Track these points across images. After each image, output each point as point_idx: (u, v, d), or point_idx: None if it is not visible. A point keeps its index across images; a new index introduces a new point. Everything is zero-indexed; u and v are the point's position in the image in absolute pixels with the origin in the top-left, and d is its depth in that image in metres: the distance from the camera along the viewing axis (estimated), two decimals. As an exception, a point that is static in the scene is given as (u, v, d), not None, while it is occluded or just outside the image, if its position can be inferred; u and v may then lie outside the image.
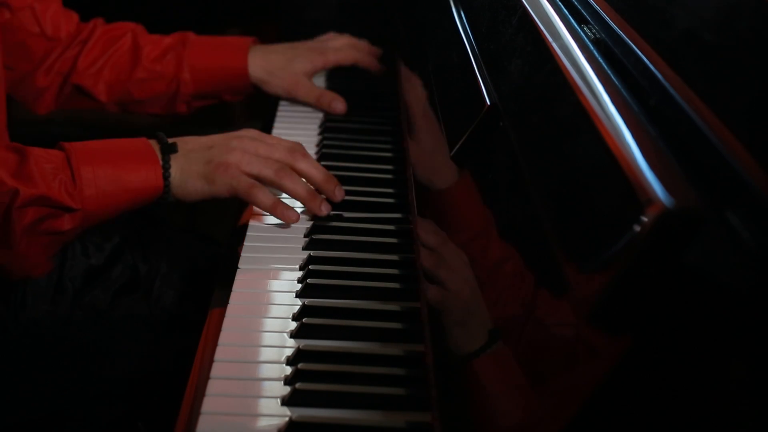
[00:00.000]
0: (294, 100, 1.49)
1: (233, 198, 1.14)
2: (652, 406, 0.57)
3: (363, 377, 0.86)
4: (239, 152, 1.12)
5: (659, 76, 0.71)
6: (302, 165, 1.15)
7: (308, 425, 0.81)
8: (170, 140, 1.13)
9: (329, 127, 1.43)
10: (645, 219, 0.56)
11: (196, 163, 1.11)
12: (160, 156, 1.10)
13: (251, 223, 1.14)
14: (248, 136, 1.16)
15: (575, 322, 0.63)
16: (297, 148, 1.16)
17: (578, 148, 0.71)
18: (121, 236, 1.28)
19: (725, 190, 0.57)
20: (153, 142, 1.12)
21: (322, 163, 1.29)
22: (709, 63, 0.70)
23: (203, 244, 1.39)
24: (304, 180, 1.15)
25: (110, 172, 1.07)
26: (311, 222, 1.14)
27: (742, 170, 0.57)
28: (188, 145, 1.13)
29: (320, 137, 1.40)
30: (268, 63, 1.45)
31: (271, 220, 1.15)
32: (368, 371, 0.87)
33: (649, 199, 0.57)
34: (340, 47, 1.52)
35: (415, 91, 1.30)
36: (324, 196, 1.15)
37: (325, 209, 1.14)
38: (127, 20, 1.47)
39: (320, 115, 1.48)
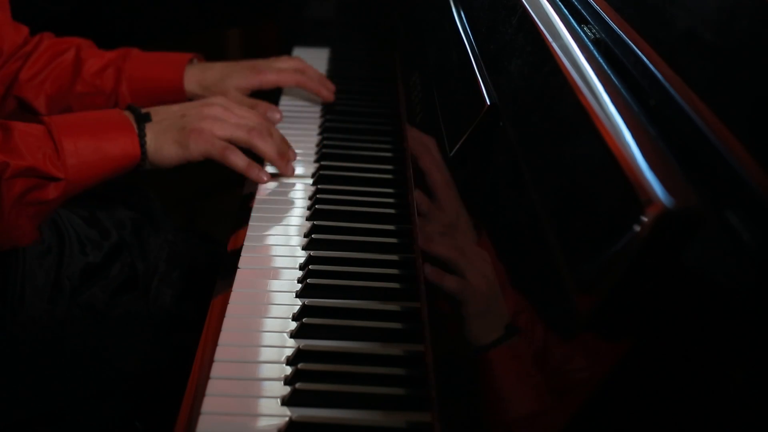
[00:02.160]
0: None
1: (233, 197, 1.14)
2: (653, 405, 0.57)
3: (363, 377, 0.86)
4: (211, 119, 1.19)
5: (659, 76, 0.71)
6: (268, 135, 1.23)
7: (308, 425, 0.81)
8: (143, 110, 1.18)
9: (329, 128, 1.43)
10: (645, 219, 0.56)
11: (170, 131, 1.17)
12: (135, 125, 1.15)
13: (251, 222, 1.14)
14: (219, 104, 1.23)
15: (575, 322, 0.62)
16: (264, 123, 1.24)
17: (578, 148, 0.71)
18: (119, 234, 1.27)
19: (725, 190, 0.57)
20: (127, 113, 1.17)
21: (322, 162, 1.30)
22: (709, 63, 0.70)
23: (202, 243, 1.39)
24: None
25: (90, 143, 1.11)
26: (311, 222, 1.14)
27: (742, 170, 0.57)
28: (161, 114, 1.19)
29: (320, 137, 1.40)
30: (203, 78, 1.41)
31: (270, 220, 1.15)
32: (368, 371, 0.87)
33: (649, 199, 0.57)
34: (284, 69, 1.45)
35: (415, 90, 1.30)
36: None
37: (290, 171, 1.25)
38: (129, 21, 1.46)
39: (320, 114, 1.48)
